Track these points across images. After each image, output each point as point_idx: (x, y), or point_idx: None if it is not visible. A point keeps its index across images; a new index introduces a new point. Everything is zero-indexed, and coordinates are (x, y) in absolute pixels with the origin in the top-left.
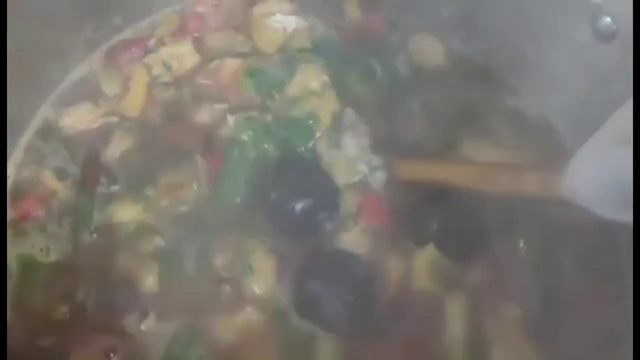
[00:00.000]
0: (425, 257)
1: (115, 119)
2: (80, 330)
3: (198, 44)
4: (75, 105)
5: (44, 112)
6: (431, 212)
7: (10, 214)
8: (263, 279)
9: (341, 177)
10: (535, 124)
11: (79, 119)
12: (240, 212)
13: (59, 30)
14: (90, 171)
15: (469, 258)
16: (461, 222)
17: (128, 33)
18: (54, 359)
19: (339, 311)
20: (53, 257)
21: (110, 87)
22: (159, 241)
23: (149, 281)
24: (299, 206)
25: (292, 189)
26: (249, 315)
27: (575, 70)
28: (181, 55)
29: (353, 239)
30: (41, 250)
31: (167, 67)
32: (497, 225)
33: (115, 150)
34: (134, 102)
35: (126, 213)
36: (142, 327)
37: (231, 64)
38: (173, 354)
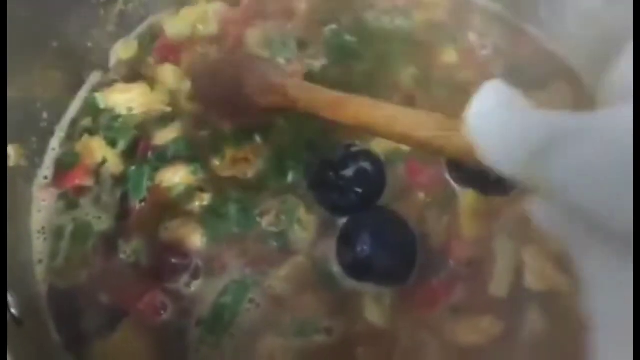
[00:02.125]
0: (468, 200)
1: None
2: (133, 291)
3: None
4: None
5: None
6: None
7: (59, 185)
8: (309, 232)
9: None
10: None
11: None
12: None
13: None
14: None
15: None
16: None
17: None
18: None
19: (389, 266)
20: (105, 224)
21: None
22: (207, 199)
23: (197, 241)
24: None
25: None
26: (298, 265)
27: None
28: None
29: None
30: (94, 218)
31: None
32: None
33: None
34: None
35: (176, 176)
36: (192, 288)
37: None
38: (222, 305)
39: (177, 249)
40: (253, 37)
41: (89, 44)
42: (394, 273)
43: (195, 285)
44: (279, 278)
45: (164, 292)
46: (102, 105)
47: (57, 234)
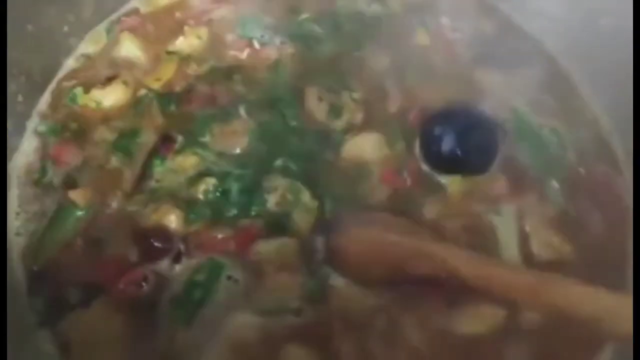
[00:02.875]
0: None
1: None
2: (113, 271)
3: None
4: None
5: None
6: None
7: None
8: (307, 216)
9: None
10: None
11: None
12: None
13: None
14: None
15: None
16: None
17: None
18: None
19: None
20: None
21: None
22: (212, 182)
23: (174, 224)
24: None
25: None
26: (287, 244)
27: None
28: None
29: None
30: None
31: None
32: None
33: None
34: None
35: (186, 162)
36: (176, 269)
37: None
38: (194, 282)
39: (160, 232)
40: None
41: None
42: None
43: (176, 267)
44: (266, 252)
45: (142, 272)
46: (79, 102)
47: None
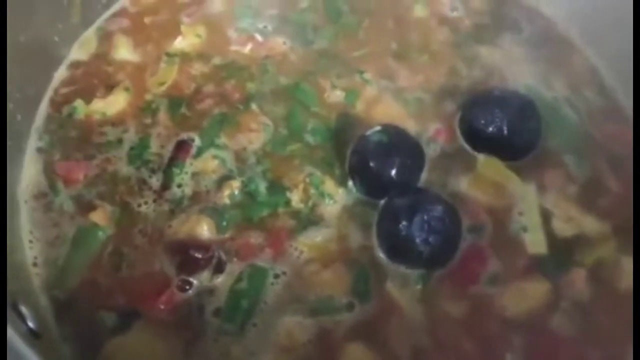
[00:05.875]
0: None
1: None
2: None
3: None
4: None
5: None
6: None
7: None
8: (337, 204)
9: None
10: None
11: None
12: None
13: None
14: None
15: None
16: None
17: None
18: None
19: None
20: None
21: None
22: (236, 185)
23: (207, 232)
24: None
25: None
26: (326, 235)
27: None
28: None
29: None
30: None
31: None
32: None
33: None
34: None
35: (207, 165)
36: (216, 281)
37: None
38: (238, 291)
39: (196, 242)
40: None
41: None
42: (442, 258)
43: (218, 278)
44: (304, 246)
45: (181, 287)
46: (81, 115)
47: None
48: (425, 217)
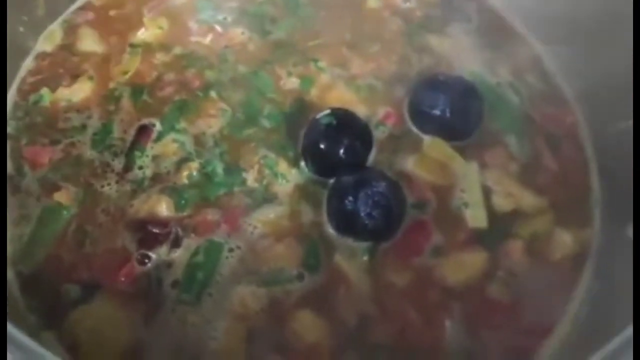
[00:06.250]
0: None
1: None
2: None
3: None
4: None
5: None
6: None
7: None
8: (289, 184)
9: None
10: None
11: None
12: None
13: None
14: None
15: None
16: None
17: None
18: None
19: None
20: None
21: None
22: (194, 166)
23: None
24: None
25: None
26: (279, 212)
27: None
28: None
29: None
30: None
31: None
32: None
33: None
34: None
35: (167, 149)
36: (173, 255)
37: None
38: (195, 264)
39: (156, 220)
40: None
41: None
42: (386, 231)
43: (176, 252)
44: (262, 222)
45: (141, 261)
46: (47, 102)
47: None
48: (369, 193)
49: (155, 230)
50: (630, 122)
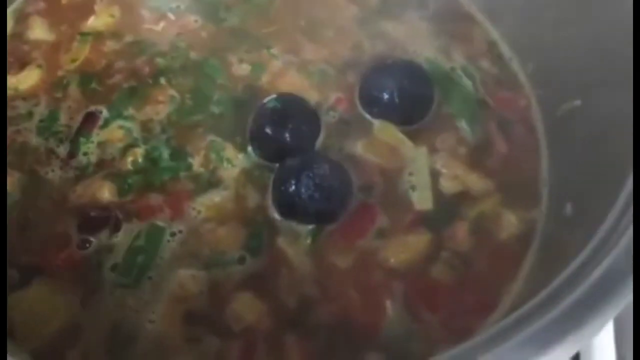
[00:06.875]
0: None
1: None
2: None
3: None
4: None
5: None
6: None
7: None
8: (235, 168)
9: None
10: None
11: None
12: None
13: None
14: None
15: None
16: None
17: None
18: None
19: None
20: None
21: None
22: (140, 152)
23: (109, 194)
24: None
25: None
26: (224, 197)
27: None
28: None
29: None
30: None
31: None
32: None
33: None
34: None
35: (112, 135)
36: (114, 240)
37: None
38: (136, 248)
39: (97, 205)
40: None
41: None
42: (329, 213)
43: (117, 236)
44: (206, 206)
45: (81, 245)
46: None
47: None
48: (311, 175)
49: (95, 215)
50: (579, 102)
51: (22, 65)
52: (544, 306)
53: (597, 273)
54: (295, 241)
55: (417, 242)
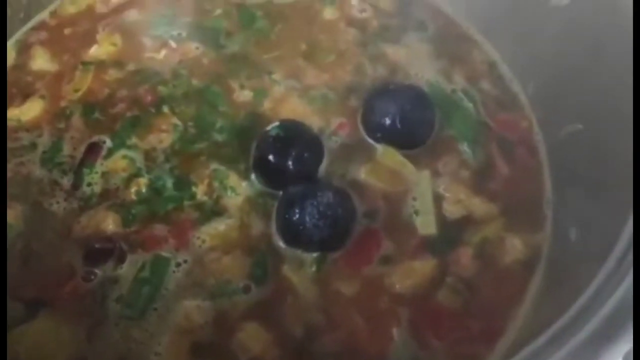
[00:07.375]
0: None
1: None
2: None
3: None
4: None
5: None
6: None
7: None
8: (239, 196)
9: None
10: None
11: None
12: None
13: None
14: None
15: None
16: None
17: None
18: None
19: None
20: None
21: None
22: (144, 182)
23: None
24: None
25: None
26: (228, 225)
27: None
28: None
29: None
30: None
31: None
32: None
33: None
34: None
35: (116, 165)
36: (119, 271)
37: None
38: (141, 279)
39: (101, 236)
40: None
41: None
42: (333, 241)
43: (122, 268)
44: (211, 235)
45: (86, 277)
46: None
47: None
48: (315, 203)
49: (100, 247)
50: (580, 126)
51: (25, 96)
52: (552, 344)
53: (608, 307)
54: (300, 269)
55: (422, 268)
